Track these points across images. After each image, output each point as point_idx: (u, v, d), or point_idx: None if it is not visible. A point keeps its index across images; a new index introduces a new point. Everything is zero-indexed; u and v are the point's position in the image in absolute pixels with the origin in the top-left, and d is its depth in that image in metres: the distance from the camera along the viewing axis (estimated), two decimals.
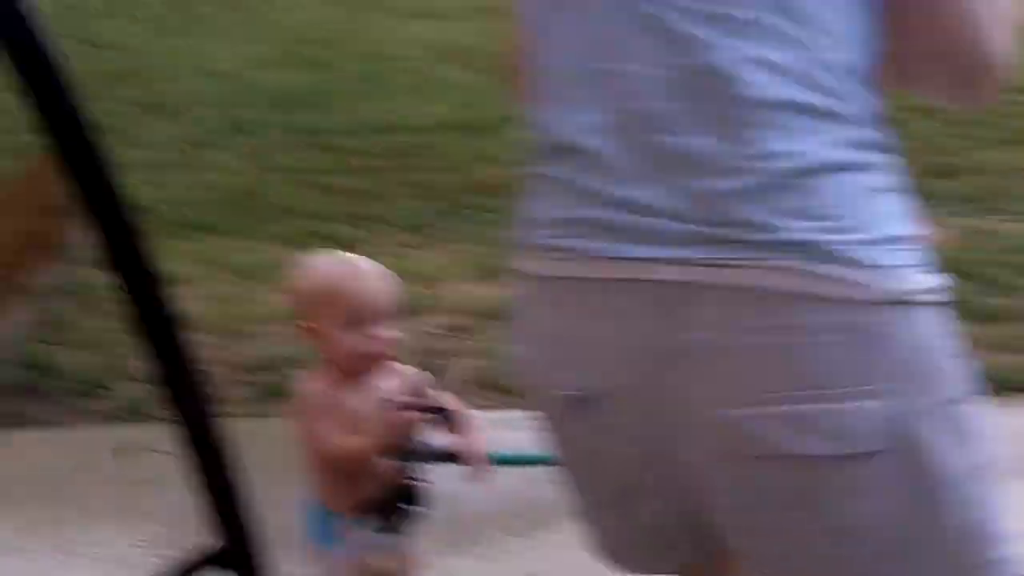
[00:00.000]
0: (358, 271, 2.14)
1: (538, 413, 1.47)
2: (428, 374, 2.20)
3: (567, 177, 1.36)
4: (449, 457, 2.11)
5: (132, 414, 3.74)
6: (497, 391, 3.95)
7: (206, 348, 4.36)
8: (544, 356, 1.42)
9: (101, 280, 4.79)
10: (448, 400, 2.16)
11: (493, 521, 2.99)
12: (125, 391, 3.94)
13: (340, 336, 2.09)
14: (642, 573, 1.56)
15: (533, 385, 1.45)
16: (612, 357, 1.34)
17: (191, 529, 2.80)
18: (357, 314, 2.08)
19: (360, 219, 6.00)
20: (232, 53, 8.23)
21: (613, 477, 1.45)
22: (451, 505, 3.08)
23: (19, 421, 3.72)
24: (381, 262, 5.40)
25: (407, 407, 2.08)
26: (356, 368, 2.14)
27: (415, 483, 2.14)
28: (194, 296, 4.90)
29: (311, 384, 2.15)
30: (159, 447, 3.34)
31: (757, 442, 1.28)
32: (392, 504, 2.13)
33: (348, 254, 2.22)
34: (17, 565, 2.81)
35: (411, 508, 2.15)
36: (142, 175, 6.34)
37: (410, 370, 2.22)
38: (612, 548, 1.55)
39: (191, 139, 6.87)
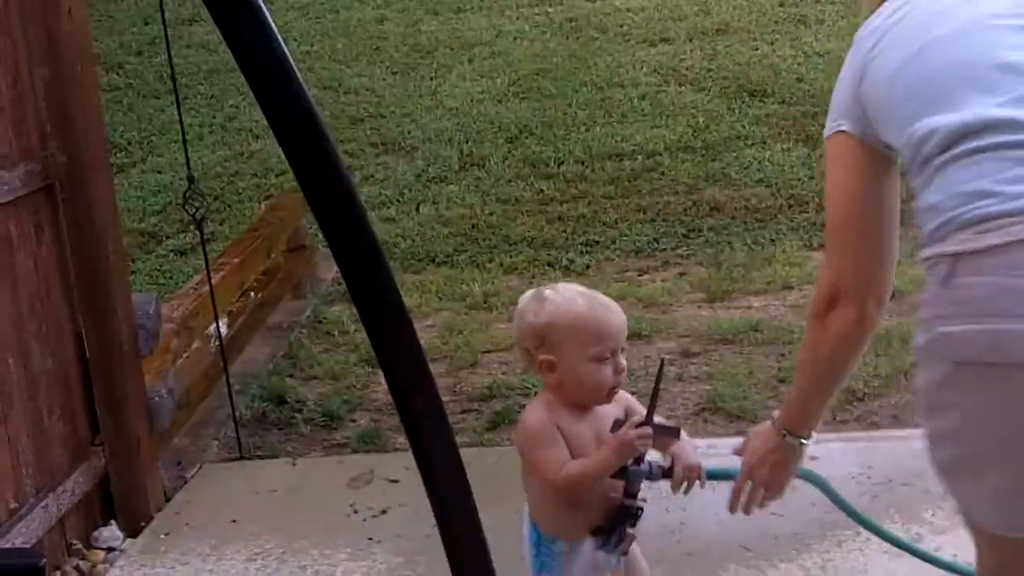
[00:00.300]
0: (599, 303, 2.11)
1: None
2: (644, 399, 2.14)
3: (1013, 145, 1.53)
4: (668, 473, 2.09)
5: (368, 444, 3.82)
6: (723, 416, 3.83)
7: (438, 377, 4.43)
8: None
9: (338, 315, 5.00)
10: (664, 420, 2.12)
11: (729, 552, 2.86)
12: (362, 422, 4.04)
13: (583, 368, 2.06)
14: None
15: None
16: None
17: (424, 558, 2.84)
18: (601, 347, 2.05)
19: (590, 246, 5.99)
20: (464, 89, 8.40)
21: None
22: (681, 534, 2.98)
23: (261, 452, 3.87)
24: (611, 287, 5.40)
25: (637, 429, 2.02)
26: (591, 400, 2.10)
27: (638, 504, 2.09)
28: (427, 326, 5.00)
29: (537, 412, 2.12)
30: (393, 476, 3.40)
31: None
32: (617, 526, 2.10)
33: (580, 287, 2.17)
34: None
35: (633, 529, 2.11)
36: (379, 212, 6.56)
37: (626, 395, 2.17)
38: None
39: (426, 175, 7.04)
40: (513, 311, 2.19)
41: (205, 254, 3.87)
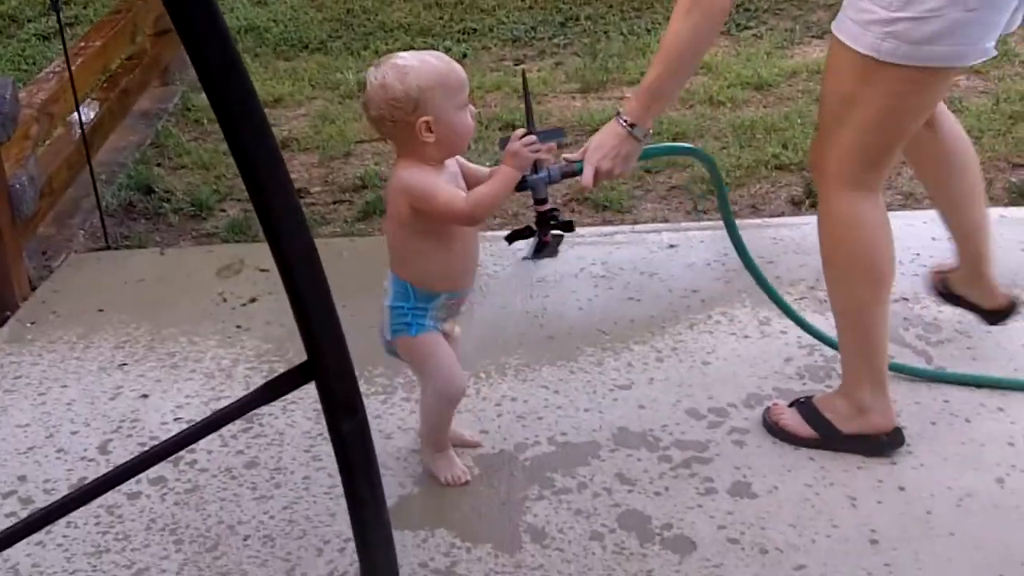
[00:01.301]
0: (445, 59, 2.21)
1: None
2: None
3: None
4: (569, 173, 2.33)
5: (237, 234, 3.81)
6: (590, 206, 3.91)
7: (308, 168, 4.40)
8: None
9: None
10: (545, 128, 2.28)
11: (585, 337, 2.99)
12: (232, 212, 4.02)
13: (456, 118, 2.18)
14: None
15: None
16: None
17: (293, 345, 2.90)
18: (463, 95, 2.20)
19: (467, 34, 5.91)
20: None
21: None
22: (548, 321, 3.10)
23: (128, 242, 3.84)
24: (487, 77, 5.36)
25: (522, 139, 2.19)
26: (460, 149, 2.27)
27: (550, 209, 2.34)
28: (296, 116, 4.93)
29: (413, 168, 2.21)
30: (263, 265, 3.42)
31: None
32: (537, 232, 2.36)
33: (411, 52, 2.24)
34: (119, 378, 2.94)
35: (561, 233, 2.38)
36: None
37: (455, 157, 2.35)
38: None
39: None
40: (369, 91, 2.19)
41: (63, 35, 3.73)
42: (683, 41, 2.27)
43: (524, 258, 2.46)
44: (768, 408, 2.60)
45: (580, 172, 2.31)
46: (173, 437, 1.41)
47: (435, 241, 2.26)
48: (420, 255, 2.28)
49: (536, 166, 2.27)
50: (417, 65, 2.16)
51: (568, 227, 2.39)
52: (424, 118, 2.15)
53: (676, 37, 2.27)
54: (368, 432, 1.53)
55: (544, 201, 2.33)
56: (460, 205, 2.19)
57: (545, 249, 2.39)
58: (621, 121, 2.30)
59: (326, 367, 1.42)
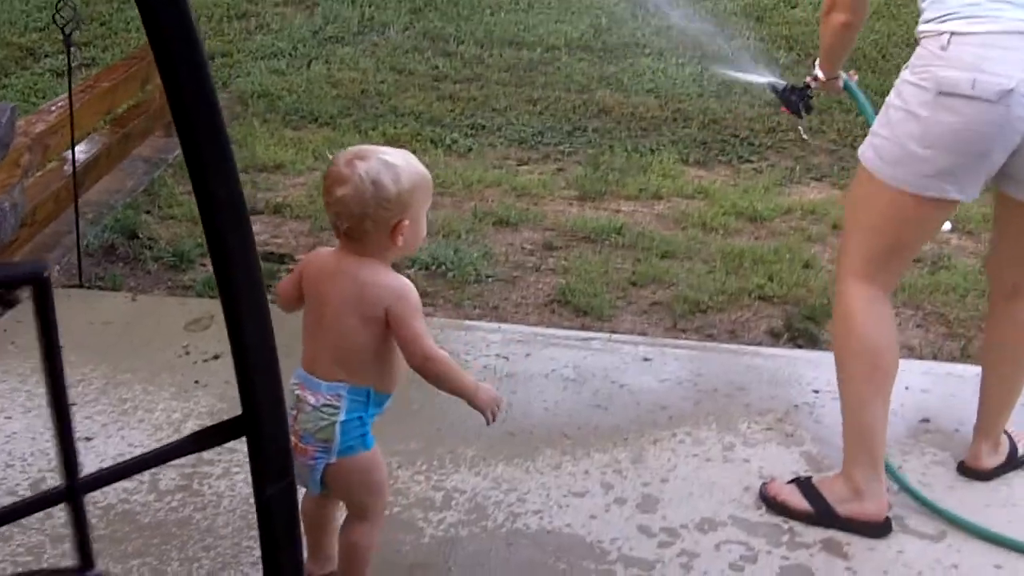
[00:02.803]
0: (421, 163, 2.15)
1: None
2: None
3: None
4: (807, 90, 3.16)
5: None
6: (571, 309, 3.88)
7: (296, 235, 4.39)
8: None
9: None
10: None
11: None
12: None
13: (423, 224, 2.15)
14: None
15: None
16: None
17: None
18: (431, 200, 2.17)
19: (475, 129, 5.95)
20: None
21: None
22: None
23: (102, 283, 3.79)
24: (489, 172, 5.38)
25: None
26: (409, 254, 2.33)
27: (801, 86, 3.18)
28: (295, 184, 4.93)
29: (404, 280, 2.14)
30: None
31: None
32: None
33: (383, 149, 2.16)
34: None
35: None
36: (269, 62, 6.40)
37: None
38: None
39: (323, 33, 6.88)
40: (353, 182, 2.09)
41: (69, 69, 3.72)
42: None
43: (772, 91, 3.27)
44: (764, 484, 2.69)
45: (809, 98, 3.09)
46: (84, 477, 1.35)
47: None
48: (390, 352, 2.15)
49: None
50: (405, 166, 2.09)
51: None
52: (405, 221, 2.08)
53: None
54: (295, 499, 1.47)
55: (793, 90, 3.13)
56: (430, 343, 2.11)
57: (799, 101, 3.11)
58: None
59: (260, 425, 1.36)
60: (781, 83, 3.24)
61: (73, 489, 1.00)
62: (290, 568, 1.45)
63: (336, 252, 2.17)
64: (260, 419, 1.35)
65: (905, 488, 2.74)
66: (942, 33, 2.39)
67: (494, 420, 2.18)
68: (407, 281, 2.15)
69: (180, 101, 1.09)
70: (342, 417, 2.09)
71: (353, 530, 2.20)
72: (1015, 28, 2.34)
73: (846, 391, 2.60)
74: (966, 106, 2.34)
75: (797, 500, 2.62)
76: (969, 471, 2.86)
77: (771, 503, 2.65)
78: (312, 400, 2.09)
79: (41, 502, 1.06)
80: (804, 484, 2.65)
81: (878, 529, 2.57)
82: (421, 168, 2.13)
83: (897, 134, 2.44)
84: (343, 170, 2.06)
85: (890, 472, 2.70)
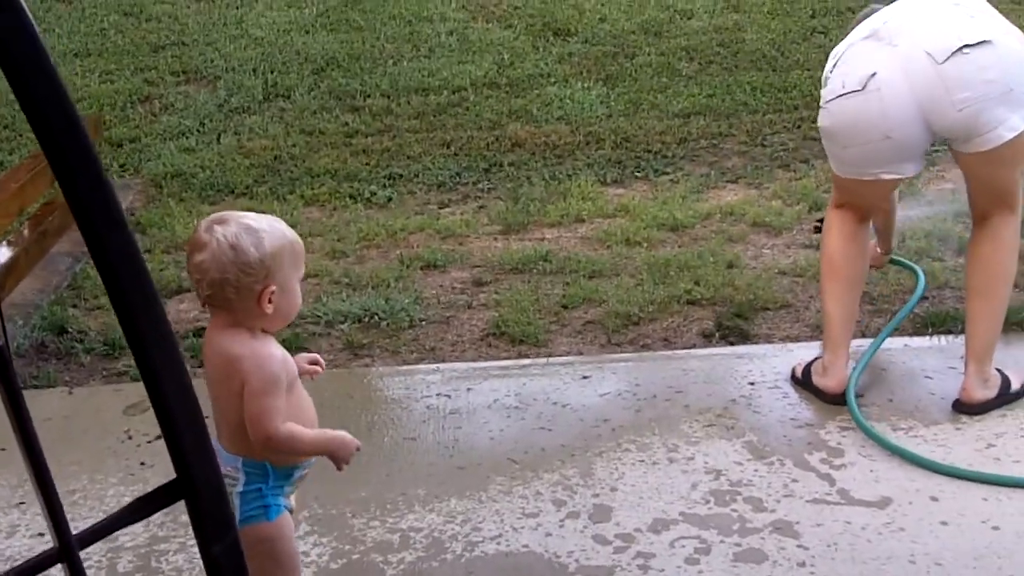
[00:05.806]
0: (290, 228, 2.11)
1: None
2: None
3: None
4: None
5: None
6: (507, 340, 3.93)
7: None
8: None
9: None
10: None
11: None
12: None
13: (295, 291, 2.07)
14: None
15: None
16: None
17: None
18: (302, 268, 2.10)
19: (393, 179, 6.00)
20: (270, 19, 8.25)
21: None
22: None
23: (36, 382, 3.78)
24: (411, 220, 5.42)
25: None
26: (285, 324, 2.14)
27: None
28: None
29: (274, 349, 2.06)
30: None
31: None
32: None
33: (245, 214, 2.09)
34: (16, 517, 2.86)
35: None
36: (178, 141, 6.41)
37: None
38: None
39: (228, 105, 6.90)
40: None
41: None
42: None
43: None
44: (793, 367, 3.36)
45: None
46: (25, 563, 1.37)
47: (287, 407, 2.05)
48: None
49: None
50: (269, 230, 2.02)
51: None
52: (271, 287, 2.00)
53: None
54: (241, 555, 1.49)
55: None
56: (274, 423, 2.00)
57: None
58: None
59: (195, 484, 1.39)
60: None
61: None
62: None
63: (210, 323, 2.10)
64: (194, 479, 1.39)
65: (859, 424, 3.02)
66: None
67: (347, 464, 2.12)
68: (269, 352, 2.05)
69: (75, 195, 1.12)
70: (239, 488, 2.07)
71: None
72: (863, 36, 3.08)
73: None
74: (847, 102, 3.02)
75: (799, 371, 3.30)
76: (962, 406, 2.97)
77: (795, 378, 3.33)
78: (221, 469, 2.08)
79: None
80: (806, 367, 3.29)
81: (833, 399, 3.16)
82: (288, 232, 2.06)
83: (827, 146, 3.29)
84: (202, 236, 2.01)
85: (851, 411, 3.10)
